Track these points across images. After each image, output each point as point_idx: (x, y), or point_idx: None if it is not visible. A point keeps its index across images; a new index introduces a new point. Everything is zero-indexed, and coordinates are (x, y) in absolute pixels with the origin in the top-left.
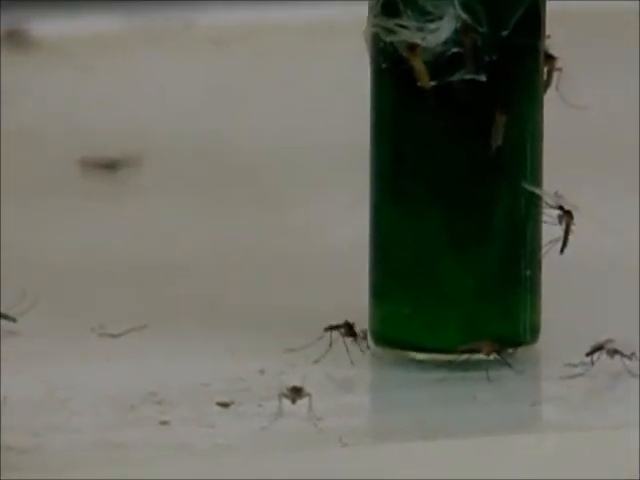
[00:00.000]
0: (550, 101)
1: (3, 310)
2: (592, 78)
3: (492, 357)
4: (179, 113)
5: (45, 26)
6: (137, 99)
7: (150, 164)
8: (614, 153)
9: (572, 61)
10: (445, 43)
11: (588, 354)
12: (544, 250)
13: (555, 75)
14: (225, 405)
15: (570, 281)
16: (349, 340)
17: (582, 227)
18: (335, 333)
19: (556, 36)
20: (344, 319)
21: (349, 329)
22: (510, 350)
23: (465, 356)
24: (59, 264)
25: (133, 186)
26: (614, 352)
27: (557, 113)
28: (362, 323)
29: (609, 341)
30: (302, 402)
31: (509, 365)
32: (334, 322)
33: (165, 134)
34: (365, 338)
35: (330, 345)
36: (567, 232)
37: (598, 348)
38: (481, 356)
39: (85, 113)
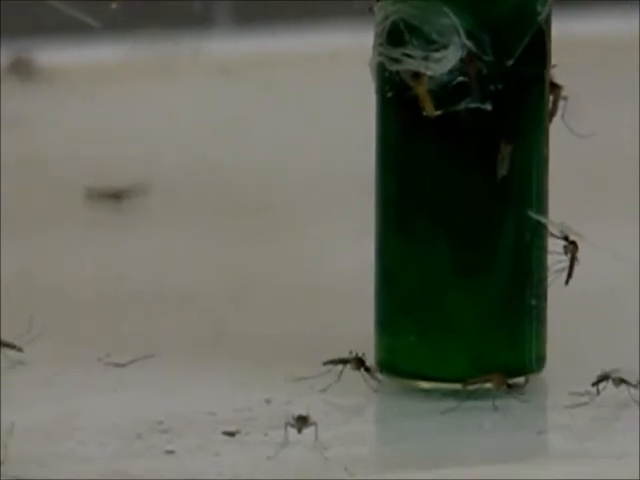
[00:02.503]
0: (556, 130)
1: (10, 339)
2: (597, 106)
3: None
4: (186, 142)
5: (51, 55)
6: (144, 128)
7: (157, 193)
8: (620, 181)
9: (578, 89)
10: (450, 72)
11: (594, 384)
12: (550, 280)
13: (560, 104)
14: (231, 434)
15: (576, 310)
16: (364, 373)
17: (588, 255)
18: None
19: (561, 65)
20: (353, 350)
21: (360, 364)
22: (521, 382)
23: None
24: (66, 293)
25: (140, 215)
26: (620, 381)
27: (563, 142)
28: (369, 352)
29: (615, 370)
30: (308, 431)
31: (515, 395)
32: (342, 351)
33: (172, 163)
34: (375, 372)
35: (339, 376)
36: (572, 263)
37: (604, 377)
38: (487, 385)
39: (92, 142)
